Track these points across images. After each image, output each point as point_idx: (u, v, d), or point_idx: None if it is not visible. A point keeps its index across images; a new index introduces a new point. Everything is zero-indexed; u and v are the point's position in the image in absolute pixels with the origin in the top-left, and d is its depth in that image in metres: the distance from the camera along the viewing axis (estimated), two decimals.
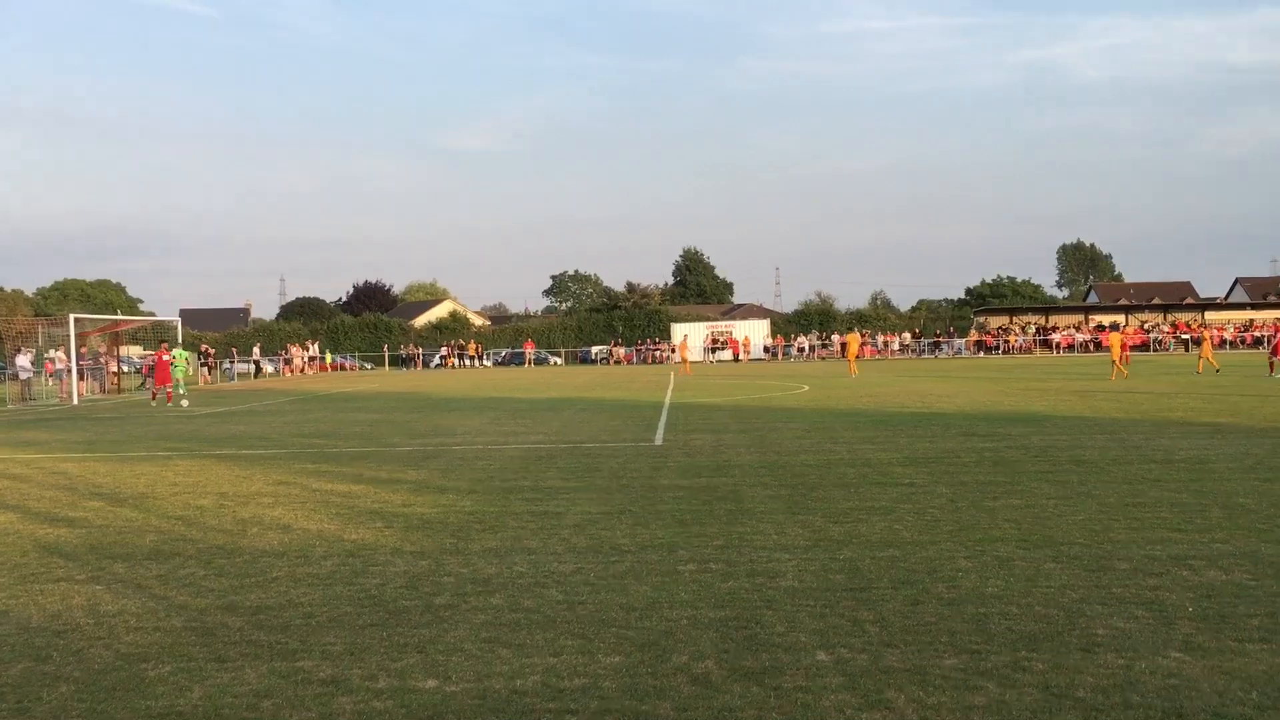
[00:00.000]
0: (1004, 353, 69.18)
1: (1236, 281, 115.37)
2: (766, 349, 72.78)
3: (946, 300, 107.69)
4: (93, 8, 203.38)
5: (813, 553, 8.22)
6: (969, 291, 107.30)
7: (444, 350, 76.04)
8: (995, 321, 76.78)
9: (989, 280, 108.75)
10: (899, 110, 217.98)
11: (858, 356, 43.87)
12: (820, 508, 10.22)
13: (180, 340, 45.61)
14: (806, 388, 32.79)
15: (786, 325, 79.74)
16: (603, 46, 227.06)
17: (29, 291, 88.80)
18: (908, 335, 74.91)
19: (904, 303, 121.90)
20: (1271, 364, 33.31)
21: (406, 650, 5.93)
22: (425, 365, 73.74)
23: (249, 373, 61.37)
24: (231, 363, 61.33)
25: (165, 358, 31.98)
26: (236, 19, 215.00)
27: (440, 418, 23.76)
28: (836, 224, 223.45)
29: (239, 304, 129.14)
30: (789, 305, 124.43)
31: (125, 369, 45.27)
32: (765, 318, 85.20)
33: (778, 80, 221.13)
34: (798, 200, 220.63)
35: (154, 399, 33.22)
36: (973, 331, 74.47)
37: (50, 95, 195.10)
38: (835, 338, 73.38)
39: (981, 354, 68.86)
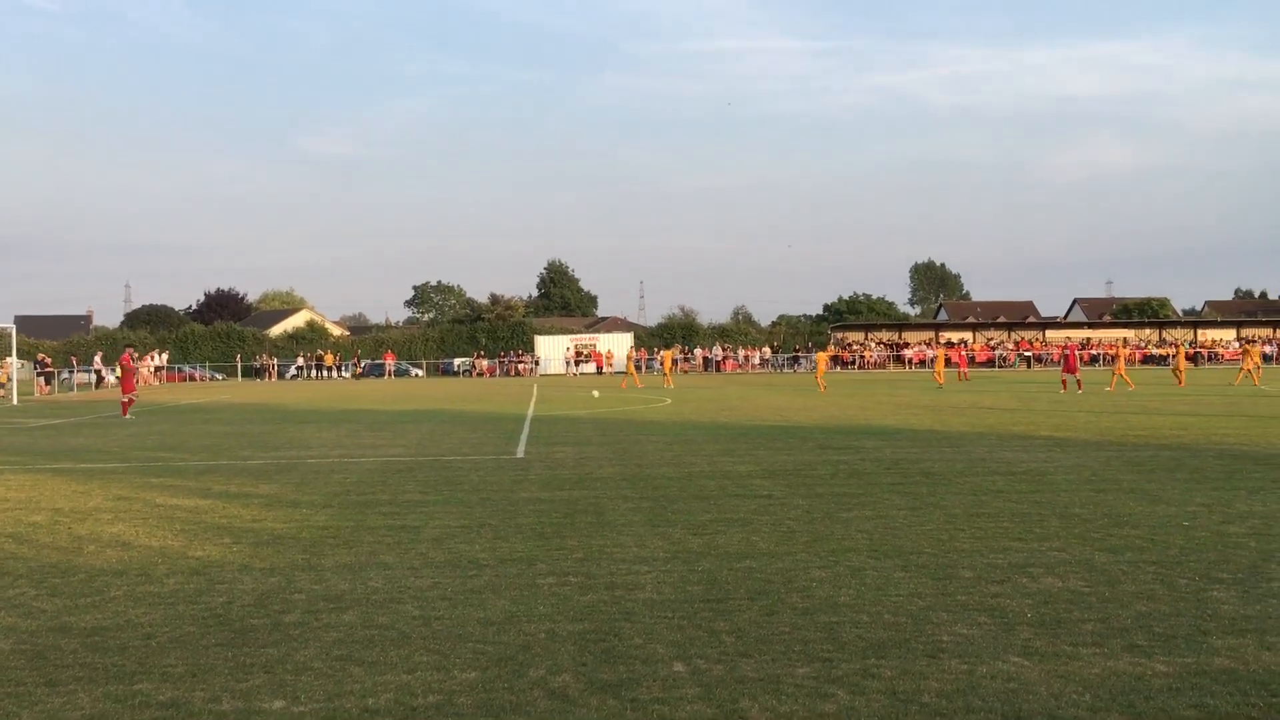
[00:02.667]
0: (859, 368, 71.15)
1: (1075, 302, 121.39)
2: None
3: (806, 316, 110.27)
4: None
5: (672, 565, 8.27)
6: (827, 308, 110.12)
7: (300, 361, 74.08)
8: (851, 337, 78.91)
9: (846, 297, 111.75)
10: (760, 129, 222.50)
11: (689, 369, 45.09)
12: (680, 520, 10.30)
13: (14, 349, 43.30)
14: (669, 401, 33.07)
15: (650, 339, 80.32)
16: (470, 55, 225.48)
17: None
18: (767, 349, 76.35)
19: (765, 317, 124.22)
20: (1064, 381, 35.09)
21: (253, 670, 5.72)
22: (280, 376, 71.70)
23: (90, 383, 58.63)
24: (71, 372, 58.47)
25: None
26: (81, 14, 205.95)
27: (295, 430, 23.12)
28: (700, 239, 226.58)
29: (80, 311, 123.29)
30: (653, 319, 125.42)
31: None
32: (629, 331, 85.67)
33: (641, 96, 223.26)
34: (662, 215, 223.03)
35: None
36: (830, 347, 76.35)
37: None
38: (698, 352, 74.25)
39: (838, 369, 70.64)
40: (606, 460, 15.64)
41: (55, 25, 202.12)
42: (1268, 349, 66.51)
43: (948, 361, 46.46)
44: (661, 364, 48.11)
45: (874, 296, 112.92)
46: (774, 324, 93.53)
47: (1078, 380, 34.76)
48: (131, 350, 35.38)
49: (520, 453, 17.05)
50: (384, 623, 6.67)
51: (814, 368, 70.42)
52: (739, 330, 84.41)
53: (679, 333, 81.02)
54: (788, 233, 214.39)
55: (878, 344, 76.74)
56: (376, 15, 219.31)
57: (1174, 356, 43.09)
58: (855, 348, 75.77)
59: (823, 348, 62.29)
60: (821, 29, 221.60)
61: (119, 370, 31.03)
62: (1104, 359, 65.92)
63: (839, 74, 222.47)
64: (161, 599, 7.37)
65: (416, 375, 73.59)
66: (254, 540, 9.53)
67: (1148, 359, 70.51)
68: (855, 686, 5.35)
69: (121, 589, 7.69)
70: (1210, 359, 71.88)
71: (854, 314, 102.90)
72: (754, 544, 9.06)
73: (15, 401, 38.98)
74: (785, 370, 71.18)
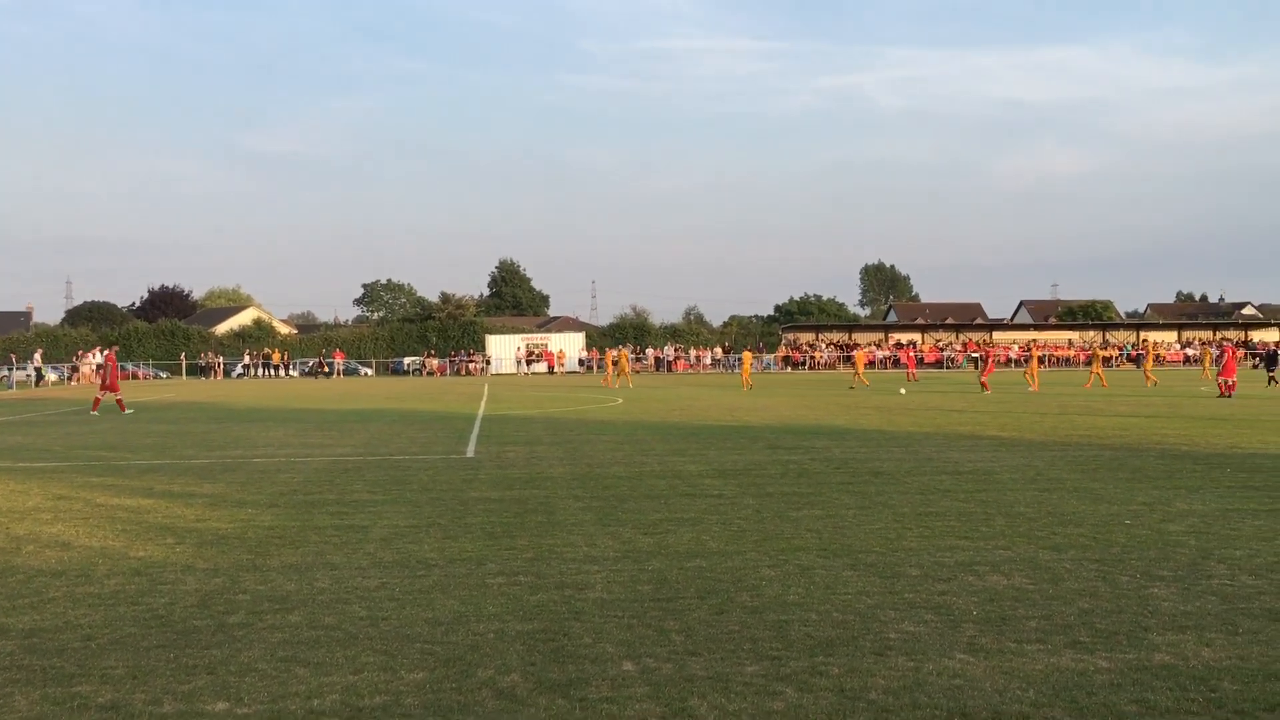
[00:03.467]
0: (810, 368, 71.62)
1: (1021, 304, 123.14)
2: (582, 362, 73.09)
3: (757, 316, 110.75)
4: None
5: (622, 564, 8.26)
6: (778, 308, 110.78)
7: (246, 359, 73.17)
8: (802, 338, 79.42)
9: (797, 298, 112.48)
10: (712, 130, 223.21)
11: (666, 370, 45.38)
12: (630, 519, 10.30)
13: None
14: (620, 400, 33.06)
15: (602, 338, 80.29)
16: (420, 54, 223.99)
17: None
18: (719, 350, 76.62)
19: (716, 318, 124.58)
20: (984, 384, 35.74)
21: (196, 672, 5.63)
22: (226, 375, 70.75)
23: (30, 380, 57.48)
24: (10, 370, 57.28)
25: None
26: (27, 8, 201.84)
27: (240, 429, 22.82)
28: (653, 240, 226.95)
29: (20, 307, 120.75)
30: (605, 319, 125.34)
31: None
32: (581, 331, 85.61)
33: (595, 96, 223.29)
34: (615, 215, 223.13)
35: None
36: (781, 347, 76.77)
37: None
38: (650, 352, 74.36)
39: (789, 369, 71.08)
40: (557, 460, 15.60)
41: (2, 19, 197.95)
42: (1190, 351, 67.80)
43: (897, 363, 47.09)
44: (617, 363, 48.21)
45: (825, 298, 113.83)
46: (725, 324, 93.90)
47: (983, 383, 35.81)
48: (116, 348, 35.64)
49: (470, 452, 16.96)
50: (330, 623, 6.60)
51: (759, 369, 70.91)
52: (691, 330, 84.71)
53: (631, 332, 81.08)
54: (741, 233, 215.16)
55: (828, 345, 77.30)
56: (323, 12, 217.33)
57: (1144, 357, 43.94)
58: (806, 348, 76.26)
59: (750, 349, 62.71)
60: (772, 30, 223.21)
61: (105, 368, 30.63)
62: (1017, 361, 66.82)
63: (789, 75, 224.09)
64: (102, 600, 7.23)
65: (366, 374, 72.96)
66: (198, 540, 9.39)
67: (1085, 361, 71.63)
68: (803, 684, 5.37)
69: (60, 590, 7.54)
70: (1156, 361, 73.25)
71: (805, 315, 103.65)
72: (704, 543, 9.08)
73: None
74: (736, 371, 71.44)
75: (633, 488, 12.53)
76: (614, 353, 51.67)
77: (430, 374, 71.20)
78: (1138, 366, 58.77)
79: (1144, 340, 70.40)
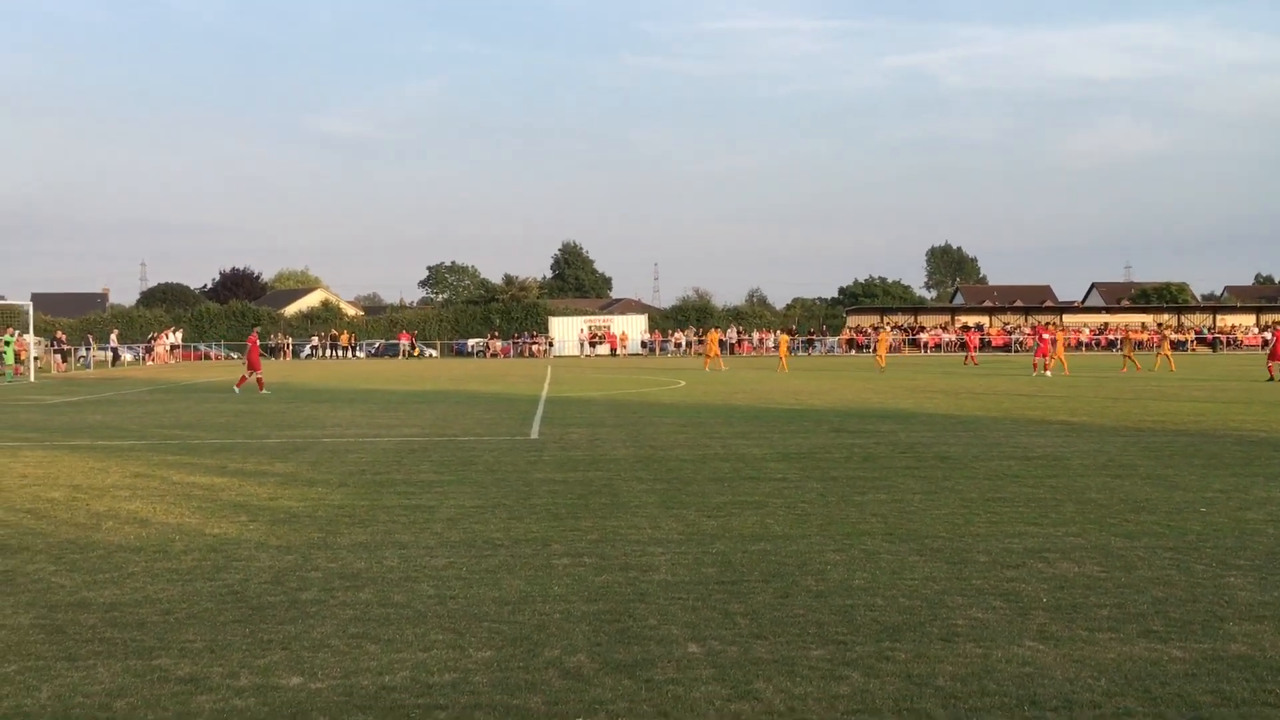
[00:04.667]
0: (874, 351, 71.00)
1: (1093, 286, 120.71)
2: (644, 344, 73.20)
3: (820, 299, 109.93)
4: None
5: (686, 546, 8.28)
6: (842, 291, 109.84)
7: (315, 340, 74.32)
8: (866, 320, 78.71)
9: (861, 280, 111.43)
10: (774, 111, 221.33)
11: (721, 353, 45.89)
12: (694, 502, 10.31)
13: (31, 326, 43.54)
14: (683, 383, 33.07)
15: (664, 321, 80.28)
16: (485, 36, 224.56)
17: None
18: (782, 332, 76.26)
19: (780, 300, 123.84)
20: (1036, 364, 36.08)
21: (270, 646, 5.76)
22: (295, 355, 71.92)
23: (106, 360, 58.94)
24: (88, 350, 58.78)
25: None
26: None
27: (310, 409, 23.21)
28: (715, 222, 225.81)
29: (96, 289, 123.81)
30: (667, 301, 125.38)
31: None
32: (643, 313, 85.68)
33: (656, 77, 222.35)
34: (677, 197, 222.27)
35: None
36: (844, 330, 76.18)
37: None
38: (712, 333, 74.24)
39: (853, 352, 70.51)
40: (620, 442, 15.66)
41: (78, 6, 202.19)
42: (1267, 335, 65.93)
43: (964, 346, 46.68)
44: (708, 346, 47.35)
45: (890, 280, 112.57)
46: (789, 307, 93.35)
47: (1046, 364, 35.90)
48: (257, 329, 36.25)
49: (534, 434, 17.09)
50: (400, 601, 6.70)
51: (829, 351, 70.45)
52: (754, 313, 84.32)
53: (693, 315, 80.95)
54: (805, 214, 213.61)
55: (893, 328, 76.53)
56: None
57: (1125, 342, 42.99)
58: (870, 332, 75.60)
59: (789, 332, 62.55)
60: (835, 9, 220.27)
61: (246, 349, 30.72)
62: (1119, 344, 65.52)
63: (853, 55, 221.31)
64: (179, 575, 7.42)
65: (431, 355, 73.74)
66: (270, 518, 9.59)
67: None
68: (870, 669, 5.36)
69: (139, 565, 7.75)
70: (1229, 344, 71.54)
71: (869, 297, 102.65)
72: (768, 527, 9.07)
73: (33, 379, 39.24)
74: (800, 353, 71.05)
75: (696, 470, 12.54)
76: (716, 334, 51.09)
77: (494, 356, 71.76)
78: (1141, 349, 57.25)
79: (1123, 326, 67.83)
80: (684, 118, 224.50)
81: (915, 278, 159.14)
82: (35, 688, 5.15)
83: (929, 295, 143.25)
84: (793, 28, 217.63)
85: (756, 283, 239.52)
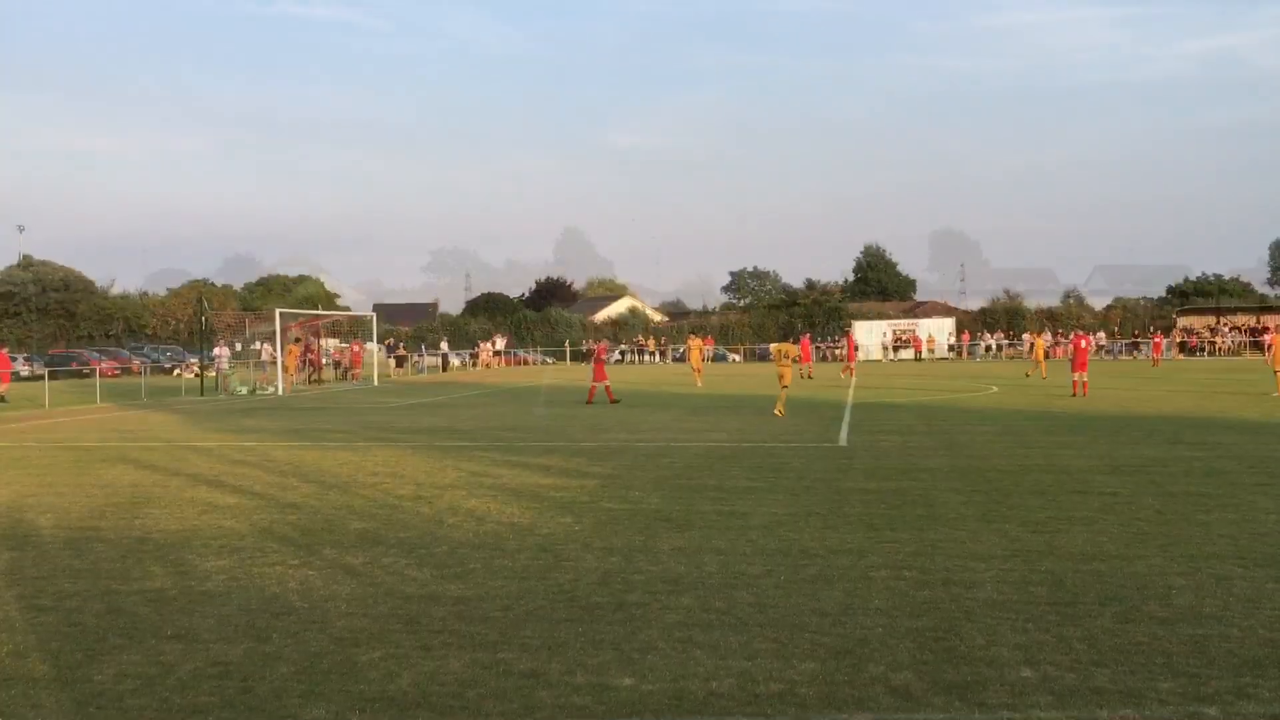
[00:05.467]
0: (1209, 354, 65.27)
1: None
2: (951, 347, 70.84)
3: (1146, 298, 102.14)
4: (291, 27, 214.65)
5: (1011, 563, 7.94)
6: (1171, 289, 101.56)
7: (623, 345, 76.96)
8: (1199, 321, 72.49)
9: (1192, 278, 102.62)
10: (1070, 104, 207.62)
11: (1046, 356, 42.18)
12: (1016, 516, 9.88)
13: (375, 333, 47.62)
14: (995, 389, 31.74)
15: (973, 323, 77.35)
16: (759, 46, 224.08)
17: (238, 287, 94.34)
18: (1103, 335, 71.57)
19: (1099, 300, 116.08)
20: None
21: (602, 646, 6.03)
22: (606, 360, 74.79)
23: (437, 366, 63.61)
24: (421, 356, 63.67)
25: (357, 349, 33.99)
26: (408, 29, 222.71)
27: (623, 414, 24.06)
28: (1023, 220, 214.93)
29: (428, 299, 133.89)
30: (975, 302, 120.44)
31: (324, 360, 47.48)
32: (950, 315, 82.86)
33: (935, 76, 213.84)
34: (980, 195, 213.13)
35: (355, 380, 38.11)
36: (1175, 332, 70.52)
37: (258, 105, 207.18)
38: (1026, 337, 70.81)
39: (1183, 356, 65.14)
40: (933, 450, 15.23)
41: (388, 42, 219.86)
42: None
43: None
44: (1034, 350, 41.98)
45: (1226, 277, 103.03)
46: (1109, 307, 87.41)
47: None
48: (607, 342, 38.08)
49: (843, 440, 16.92)
50: (720, 608, 6.83)
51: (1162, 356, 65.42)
52: (1070, 314, 79.61)
53: (1003, 316, 77.51)
54: (1118, 207, 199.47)
55: (1231, 329, 70.08)
56: (667, 14, 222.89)
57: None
58: (1203, 333, 69.58)
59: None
60: None
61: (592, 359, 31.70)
62: None
63: (1148, 41, 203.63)
64: (515, 573, 7.90)
65: (734, 360, 74.64)
66: (594, 520, 10.02)
67: None
68: (1228, 706, 4.94)
69: (479, 561, 8.31)
70: None
71: (1202, 296, 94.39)
72: (1101, 545, 8.54)
73: (376, 383, 42.99)
74: (1123, 356, 66.45)
75: (1016, 482, 12.00)
76: (1041, 338, 47.96)
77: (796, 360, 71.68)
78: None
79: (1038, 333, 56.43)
80: (974, 116, 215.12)
81: (1257, 273, 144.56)
82: (397, 674, 5.63)
83: (1272, 292, 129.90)
84: (1075, 18, 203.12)
85: (1073, 281, 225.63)
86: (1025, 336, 70.09)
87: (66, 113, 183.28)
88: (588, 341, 78.07)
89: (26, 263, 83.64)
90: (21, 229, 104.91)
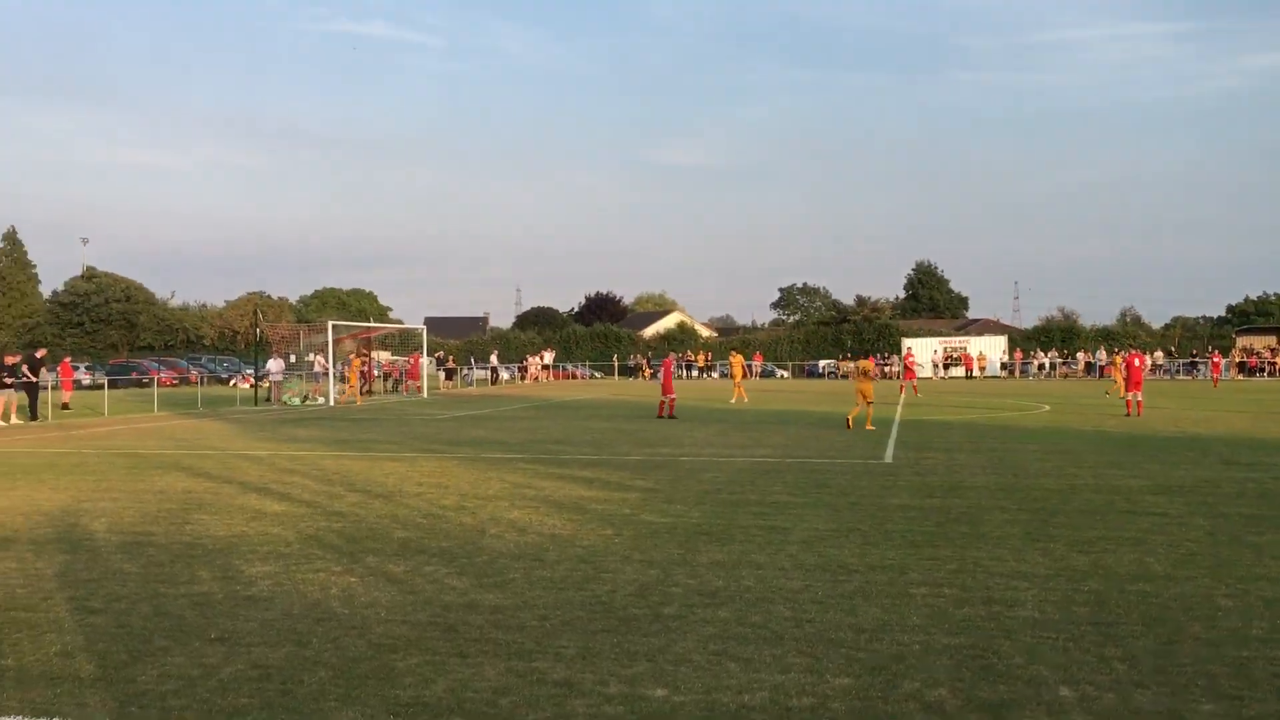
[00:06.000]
0: (1269, 374, 63.94)
1: None
2: (1004, 365, 70.07)
3: (1205, 317, 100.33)
4: (341, 44, 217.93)
5: (1054, 582, 7.85)
6: (1231, 309, 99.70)
7: (645, 360, 77.03)
8: (1260, 341, 71.02)
9: (1254, 297, 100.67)
10: (1124, 121, 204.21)
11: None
12: (1062, 535, 9.75)
13: (425, 347, 48.09)
14: (1047, 407, 31.35)
15: (1026, 341, 76.45)
16: (807, 62, 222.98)
17: (293, 299, 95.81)
18: (1160, 354, 70.40)
19: (1157, 319, 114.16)
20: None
21: (636, 658, 6.04)
22: (654, 375, 74.84)
23: (486, 379, 64.07)
24: (470, 369, 64.18)
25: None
26: (459, 49, 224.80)
27: (668, 428, 24.08)
28: (1077, 238, 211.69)
29: (478, 313, 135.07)
30: (1029, 320, 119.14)
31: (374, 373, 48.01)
32: (1003, 333, 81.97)
33: (986, 92, 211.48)
34: (1034, 213, 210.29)
35: (405, 392, 39.98)
36: (1235, 352, 69.17)
37: (312, 122, 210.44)
38: (1080, 355, 69.88)
39: (1242, 376, 63.87)
40: (979, 468, 15.08)
41: (441, 60, 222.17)
42: None
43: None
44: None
45: None
46: (1167, 326, 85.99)
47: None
48: (674, 356, 37.97)
49: (888, 457, 16.81)
50: (757, 621, 6.81)
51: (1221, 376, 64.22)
52: (1126, 333, 78.40)
53: (1058, 335, 76.55)
54: (1179, 228, 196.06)
55: None
56: (713, 30, 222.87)
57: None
58: (1264, 353, 68.17)
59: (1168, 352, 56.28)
60: (1176, 11, 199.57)
61: (660, 371, 30.95)
62: None
63: (1205, 57, 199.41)
64: (554, 583, 7.94)
65: (782, 376, 74.40)
66: (634, 533, 10.04)
67: None
68: None
69: (519, 571, 8.36)
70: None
71: (1264, 316, 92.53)
72: (1148, 566, 8.41)
73: (425, 395, 43.39)
74: (1181, 376, 65.30)
75: (1064, 501, 11.85)
76: (1122, 356, 45.48)
77: (844, 377, 71.29)
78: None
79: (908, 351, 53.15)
80: (1027, 131, 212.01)
81: None
82: (432, 680, 5.69)
83: None
84: (1127, 33, 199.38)
85: (1131, 300, 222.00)
86: (1080, 356, 69.17)
87: (130, 128, 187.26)
88: (635, 356, 78.29)
89: (89, 274, 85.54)
90: (85, 241, 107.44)
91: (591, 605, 7.27)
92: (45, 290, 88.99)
